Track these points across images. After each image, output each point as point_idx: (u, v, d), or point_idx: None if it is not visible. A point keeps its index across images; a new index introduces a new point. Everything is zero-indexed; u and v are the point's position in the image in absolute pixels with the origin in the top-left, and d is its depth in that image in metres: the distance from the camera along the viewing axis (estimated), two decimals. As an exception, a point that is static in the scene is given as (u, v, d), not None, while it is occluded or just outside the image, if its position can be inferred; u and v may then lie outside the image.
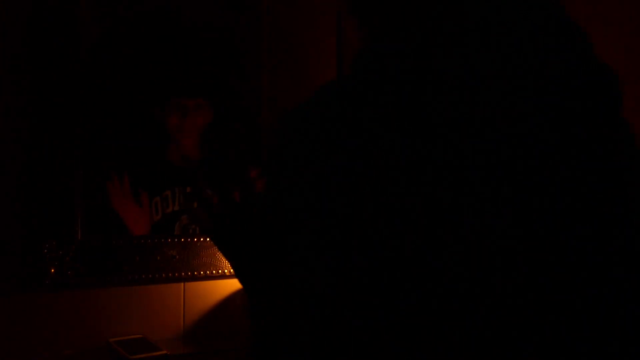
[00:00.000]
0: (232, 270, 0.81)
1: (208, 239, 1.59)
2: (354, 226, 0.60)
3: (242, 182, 0.82)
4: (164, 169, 1.72)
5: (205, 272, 1.58)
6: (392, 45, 0.65)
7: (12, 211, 1.40)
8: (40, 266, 1.40)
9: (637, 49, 1.60)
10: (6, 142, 1.40)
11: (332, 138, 0.62)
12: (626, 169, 0.63)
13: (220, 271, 1.60)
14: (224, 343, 1.54)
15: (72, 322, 1.44)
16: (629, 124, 0.66)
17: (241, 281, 0.83)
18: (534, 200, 0.58)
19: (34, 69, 1.40)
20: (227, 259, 0.86)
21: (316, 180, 0.63)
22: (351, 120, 0.62)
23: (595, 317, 0.58)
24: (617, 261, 0.60)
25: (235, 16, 1.85)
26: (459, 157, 0.59)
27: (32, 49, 1.41)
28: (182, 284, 1.57)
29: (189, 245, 1.57)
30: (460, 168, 0.58)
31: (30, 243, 1.40)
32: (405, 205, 0.59)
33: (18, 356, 1.37)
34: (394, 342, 0.61)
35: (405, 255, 0.59)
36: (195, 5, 1.79)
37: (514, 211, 0.58)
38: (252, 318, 0.73)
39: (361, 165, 0.60)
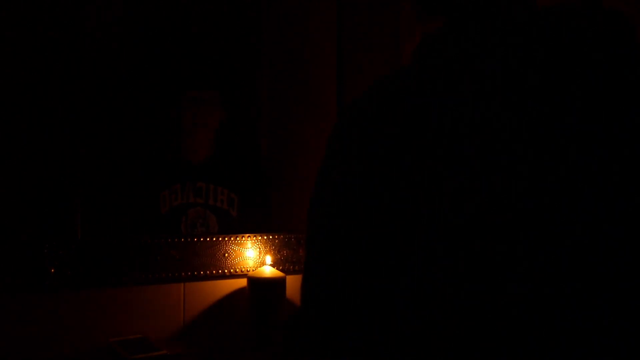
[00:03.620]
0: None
1: (208, 239, 1.60)
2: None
3: None
4: (175, 164, 1.74)
5: (205, 272, 1.58)
6: (449, 38, 0.66)
7: (13, 211, 1.40)
8: (40, 266, 1.40)
9: None
10: (6, 142, 1.40)
11: (383, 132, 0.63)
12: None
13: (220, 271, 1.60)
14: (224, 343, 1.54)
15: (72, 322, 1.44)
16: None
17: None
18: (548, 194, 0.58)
19: (34, 67, 1.40)
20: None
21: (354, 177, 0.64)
22: (400, 116, 0.63)
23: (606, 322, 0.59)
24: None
25: (236, 13, 1.85)
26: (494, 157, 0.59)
27: (33, 46, 1.40)
28: (182, 284, 1.57)
29: (189, 245, 1.57)
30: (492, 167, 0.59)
31: (30, 243, 1.40)
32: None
33: (18, 356, 1.37)
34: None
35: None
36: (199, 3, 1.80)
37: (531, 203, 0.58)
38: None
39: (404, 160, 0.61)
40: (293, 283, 1.67)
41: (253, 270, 1.62)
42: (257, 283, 1.57)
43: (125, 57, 1.70)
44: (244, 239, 1.64)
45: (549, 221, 0.58)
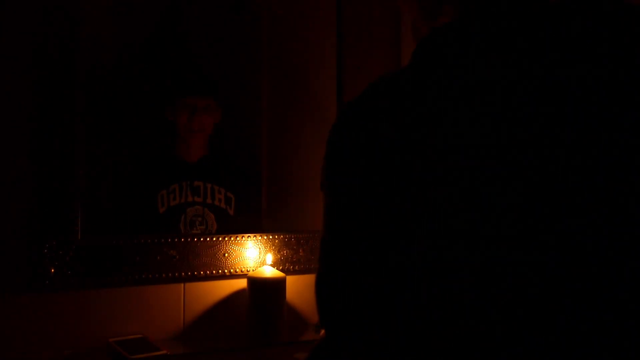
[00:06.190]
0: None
1: (208, 239, 1.60)
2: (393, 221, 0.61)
3: None
4: (172, 164, 1.75)
5: (205, 272, 1.58)
6: (451, 37, 0.66)
7: (13, 211, 1.40)
8: (40, 266, 1.40)
9: None
10: (7, 142, 1.40)
11: (381, 133, 0.63)
12: None
13: (220, 271, 1.60)
14: (224, 343, 1.54)
15: (72, 322, 1.44)
16: None
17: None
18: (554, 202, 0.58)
19: (35, 68, 1.40)
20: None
21: (362, 177, 0.63)
22: (400, 115, 0.63)
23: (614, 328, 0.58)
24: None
25: (235, 17, 1.85)
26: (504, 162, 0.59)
27: (34, 47, 1.41)
28: (182, 284, 1.57)
29: (189, 245, 1.57)
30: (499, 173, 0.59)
31: (31, 243, 1.40)
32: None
33: (18, 356, 1.37)
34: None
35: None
36: (198, 8, 1.81)
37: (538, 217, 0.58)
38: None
39: (408, 162, 0.61)
40: (293, 283, 1.67)
41: (253, 270, 1.62)
42: (257, 283, 1.58)
43: (122, 59, 1.70)
44: (243, 238, 1.64)
45: (551, 222, 0.58)
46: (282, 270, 1.63)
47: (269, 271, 1.59)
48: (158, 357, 1.38)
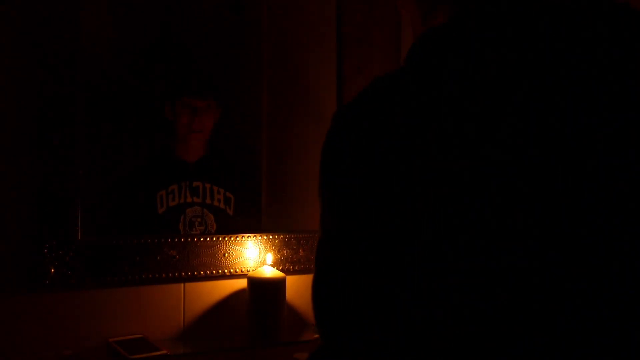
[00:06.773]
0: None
1: (208, 239, 1.60)
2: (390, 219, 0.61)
3: None
4: (171, 164, 1.75)
5: (205, 272, 1.58)
6: (449, 36, 0.66)
7: (13, 211, 1.40)
8: (40, 266, 1.40)
9: None
10: (7, 143, 1.40)
11: (381, 133, 0.63)
12: None
13: (220, 271, 1.60)
14: (224, 343, 1.54)
15: (72, 322, 1.44)
16: None
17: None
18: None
19: (35, 68, 1.40)
20: None
21: (362, 176, 0.64)
22: (400, 115, 0.63)
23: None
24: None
25: (235, 17, 1.85)
26: (507, 159, 0.59)
27: (34, 48, 1.40)
28: (182, 284, 1.57)
29: (189, 245, 1.57)
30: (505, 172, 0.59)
31: (31, 243, 1.40)
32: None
33: (18, 356, 1.37)
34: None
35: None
36: (198, 8, 1.81)
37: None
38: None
39: (407, 162, 0.61)
40: (293, 283, 1.67)
41: (253, 270, 1.62)
42: (257, 283, 1.58)
43: (122, 59, 1.70)
44: (243, 238, 1.64)
45: (552, 222, 0.58)
46: (282, 270, 1.64)
47: (269, 271, 1.60)
48: (158, 357, 1.38)
